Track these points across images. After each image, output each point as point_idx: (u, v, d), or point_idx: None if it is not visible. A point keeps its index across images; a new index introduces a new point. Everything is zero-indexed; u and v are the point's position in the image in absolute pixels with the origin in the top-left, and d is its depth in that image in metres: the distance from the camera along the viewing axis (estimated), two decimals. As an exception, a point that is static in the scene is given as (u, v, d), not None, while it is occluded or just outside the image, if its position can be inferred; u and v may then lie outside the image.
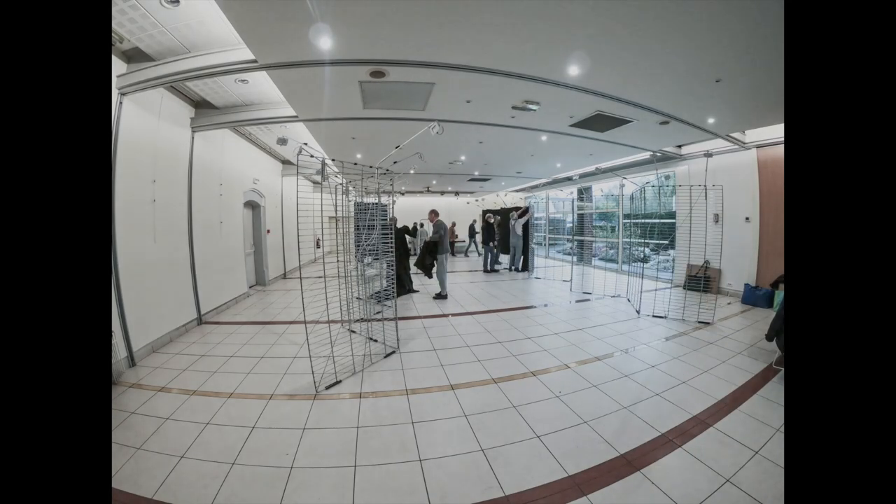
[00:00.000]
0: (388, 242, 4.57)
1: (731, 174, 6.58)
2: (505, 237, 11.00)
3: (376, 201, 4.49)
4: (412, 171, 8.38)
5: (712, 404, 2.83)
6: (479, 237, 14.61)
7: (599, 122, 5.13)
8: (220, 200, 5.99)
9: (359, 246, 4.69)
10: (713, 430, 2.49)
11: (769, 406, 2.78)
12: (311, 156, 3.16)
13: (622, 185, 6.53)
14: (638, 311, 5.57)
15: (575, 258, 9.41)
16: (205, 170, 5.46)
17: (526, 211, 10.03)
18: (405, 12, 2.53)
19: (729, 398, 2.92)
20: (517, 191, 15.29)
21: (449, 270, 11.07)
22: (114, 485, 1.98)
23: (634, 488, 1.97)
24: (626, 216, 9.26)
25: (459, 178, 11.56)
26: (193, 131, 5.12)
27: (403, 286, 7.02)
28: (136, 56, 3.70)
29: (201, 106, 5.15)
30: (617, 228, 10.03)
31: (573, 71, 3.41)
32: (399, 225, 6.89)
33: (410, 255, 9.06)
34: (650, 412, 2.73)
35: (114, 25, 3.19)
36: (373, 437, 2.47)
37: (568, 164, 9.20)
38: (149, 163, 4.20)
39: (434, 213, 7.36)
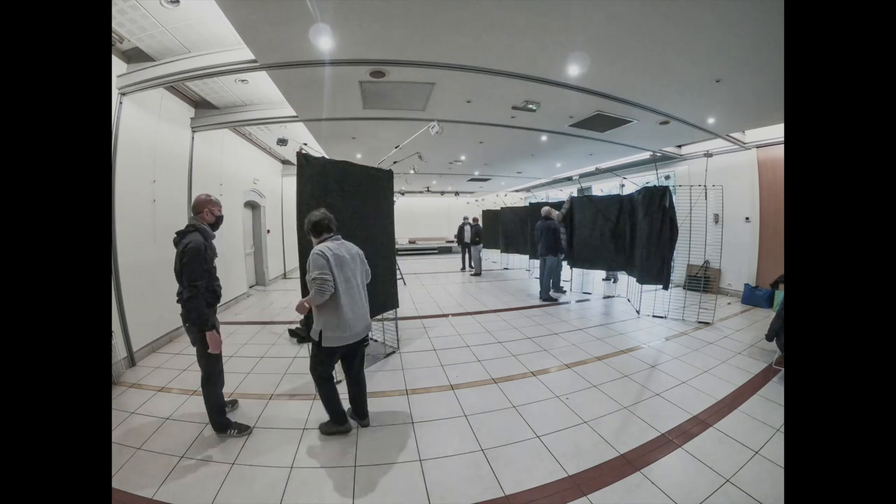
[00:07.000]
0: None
1: (731, 174, 6.58)
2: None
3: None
4: (412, 171, 8.37)
5: (712, 404, 2.83)
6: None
7: (599, 122, 5.13)
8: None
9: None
10: (713, 430, 2.49)
11: (769, 406, 2.78)
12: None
13: (622, 185, 6.52)
14: (638, 312, 5.57)
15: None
16: (205, 170, 5.45)
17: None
18: (405, 12, 2.53)
19: (729, 398, 2.92)
20: (517, 191, 15.29)
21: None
22: (114, 485, 1.98)
23: (634, 488, 1.97)
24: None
25: (459, 178, 11.56)
26: (193, 131, 5.11)
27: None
28: (136, 56, 3.70)
29: (201, 106, 5.15)
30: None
31: (573, 71, 3.41)
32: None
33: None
34: (650, 412, 2.73)
35: (114, 25, 3.19)
36: (373, 437, 2.47)
37: (568, 164, 9.20)
38: (149, 163, 4.20)
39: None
